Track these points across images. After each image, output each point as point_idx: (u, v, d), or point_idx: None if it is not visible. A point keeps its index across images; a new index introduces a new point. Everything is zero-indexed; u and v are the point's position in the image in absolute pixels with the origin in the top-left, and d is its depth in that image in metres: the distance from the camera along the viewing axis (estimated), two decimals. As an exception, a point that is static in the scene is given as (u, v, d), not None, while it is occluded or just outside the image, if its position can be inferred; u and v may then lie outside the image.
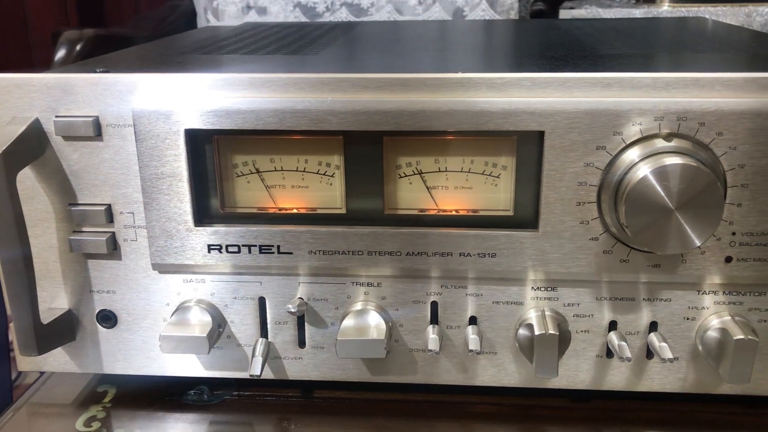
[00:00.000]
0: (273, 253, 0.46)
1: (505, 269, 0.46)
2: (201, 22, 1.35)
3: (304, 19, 1.28)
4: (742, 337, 0.43)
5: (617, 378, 0.48)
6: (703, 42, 0.61)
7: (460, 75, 0.43)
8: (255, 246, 0.46)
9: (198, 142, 0.45)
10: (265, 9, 1.30)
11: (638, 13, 1.20)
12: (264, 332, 0.49)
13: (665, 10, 1.21)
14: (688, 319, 0.46)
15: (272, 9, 1.29)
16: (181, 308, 0.48)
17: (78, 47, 1.27)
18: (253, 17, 1.31)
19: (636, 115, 0.42)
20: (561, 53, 0.54)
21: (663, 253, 0.42)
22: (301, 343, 0.49)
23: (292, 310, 0.46)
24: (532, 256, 0.45)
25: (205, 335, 0.46)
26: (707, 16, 1.16)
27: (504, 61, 0.56)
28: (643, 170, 0.41)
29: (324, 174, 0.46)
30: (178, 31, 0.88)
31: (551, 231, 0.44)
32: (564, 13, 1.22)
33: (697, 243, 0.41)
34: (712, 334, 0.45)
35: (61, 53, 1.25)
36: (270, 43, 0.63)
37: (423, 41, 0.66)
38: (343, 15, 1.26)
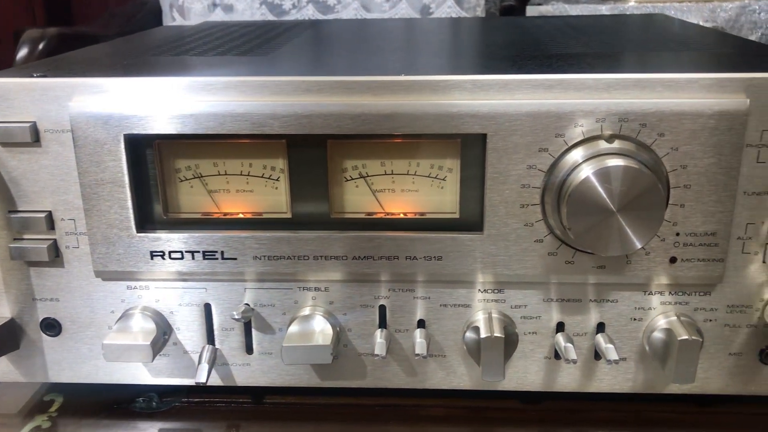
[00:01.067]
0: (217, 259, 0.46)
1: (452, 272, 0.45)
2: (167, 20, 1.34)
3: (270, 16, 1.27)
4: (686, 337, 0.43)
5: (567, 379, 0.48)
6: (657, 41, 0.61)
7: (401, 78, 0.42)
8: (198, 252, 0.46)
9: (138, 147, 0.44)
10: (231, 6, 1.28)
11: (604, 9, 1.20)
12: (210, 339, 0.48)
13: (631, 6, 1.21)
14: (635, 319, 0.46)
15: (238, 6, 1.28)
16: (125, 315, 0.47)
17: (40, 46, 1.25)
18: (219, 15, 1.29)
19: (578, 117, 0.41)
20: (512, 53, 0.54)
21: (604, 254, 0.42)
22: (249, 349, 0.48)
23: (237, 317, 0.45)
24: (478, 258, 0.45)
25: (148, 343, 0.45)
26: (672, 12, 1.17)
27: (455, 61, 0.55)
28: (585, 172, 0.40)
29: (269, 178, 0.46)
30: (145, 29, 0.87)
31: (496, 233, 0.44)
32: (531, 10, 1.22)
33: (638, 245, 0.41)
34: (658, 334, 0.45)
35: (22, 53, 1.23)
36: (223, 44, 0.62)
37: (380, 41, 0.66)
38: (309, 12, 1.25)
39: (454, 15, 1.19)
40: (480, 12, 1.21)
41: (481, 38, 0.69)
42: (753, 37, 1.20)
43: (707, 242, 0.43)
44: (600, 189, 0.40)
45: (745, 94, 0.41)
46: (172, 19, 1.32)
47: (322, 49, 0.61)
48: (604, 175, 0.40)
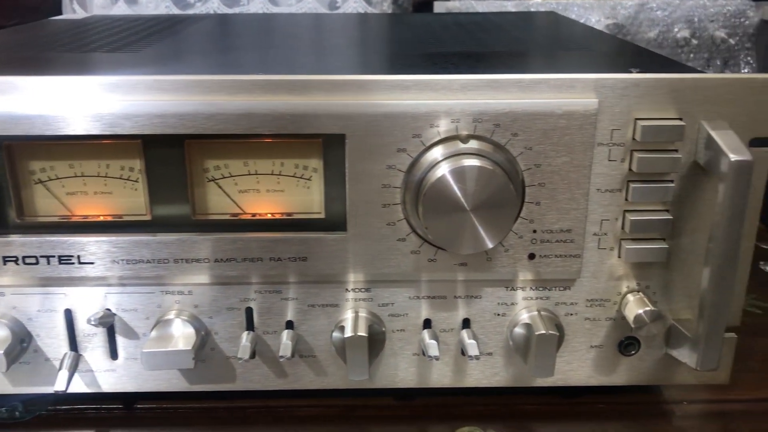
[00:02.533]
0: (73, 263, 0.44)
1: (318, 272, 0.45)
2: (66, 11, 1.29)
3: (175, 9, 1.24)
4: (543, 332, 0.44)
5: (439, 375, 0.49)
6: (534, 40, 0.62)
7: (256, 77, 0.41)
8: (54, 257, 0.44)
9: (-14, 148, 0.43)
10: (135, -2, 1.25)
11: (510, 5, 1.22)
12: (73, 345, 0.47)
13: (536, 2, 1.23)
14: (498, 315, 0.47)
15: (142, -2, 1.24)
16: (-21, 324, 0.45)
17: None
18: (122, 7, 1.25)
19: (434, 118, 0.42)
20: (390, 52, 0.54)
21: (458, 252, 0.42)
22: (114, 354, 0.47)
23: (93, 323, 0.44)
24: (344, 258, 0.45)
25: (1, 352, 0.44)
26: (576, 10, 1.20)
27: (328, 59, 0.55)
28: (440, 172, 0.41)
29: (127, 179, 0.44)
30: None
31: (360, 233, 0.44)
32: (438, 6, 1.23)
33: (490, 245, 0.42)
34: (519, 329, 0.46)
35: None
36: (96, 40, 0.60)
37: (261, 38, 0.65)
38: (215, 5, 1.23)
39: (360, 10, 1.19)
40: (387, 7, 1.21)
41: (368, 36, 0.69)
42: (651, 34, 1.25)
43: (563, 239, 0.44)
44: (454, 188, 0.41)
45: (595, 94, 0.42)
46: (72, 10, 1.28)
47: (196, 46, 0.60)
48: (457, 174, 0.41)
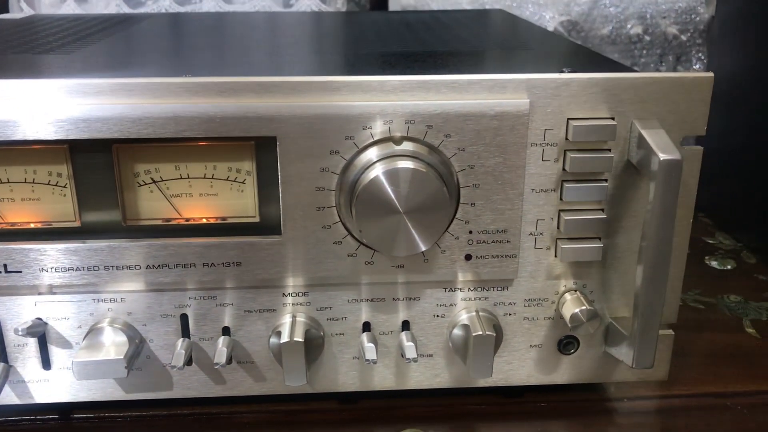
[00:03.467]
0: (0, 272, 0.43)
1: (253, 277, 0.44)
2: (14, 10, 1.26)
3: (126, 8, 1.22)
4: (480, 332, 0.44)
5: (379, 378, 0.48)
6: (477, 40, 0.62)
7: (182, 80, 0.41)
8: (-21, 266, 0.43)
9: None
10: (85, -4, 1.22)
11: (465, 3, 1.22)
12: (2, 356, 0.45)
13: None
14: (438, 316, 0.47)
15: (92, -3, 1.22)
16: None
17: None
18: (71, 6, 1.23)
19: (366, 119, 0.41)
20: (330, 53, 0.53)
21: (392, 254, 0.42)
22: (46, 364, 0.46)
23: (21, 333, 0.43)
24: (278, 262, 0.44)
25: (-76, 365, 0.42)
26: (530, 6, 1.20)
27: (270, 61, 0.54)
28: (373, 174, 0.40)
29: (56, 185, 0.43)
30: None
31: (295, 236, 0.44)
32: (393, 3, 1.22)
33: (423, 247, 0.41)
34: (457, 330, 0.46)
35: None
36: (32, 41, 0.58)
37: (206, 37, 0.64)
38: (166, 4, 1.21)
39: (314, 8, 1.18)
40: (341, 5, 1.20)
41: (314, 36, 0.68)
42: (605, 31, 1.26)
43: (499, 239, 0.44)
44: (387, 190, 0.40)
45: (527, 95, 0.42)
46: (19, 8, 1.25)
47: (133, 47, 0.59)
48: (391, 176, 0.40)
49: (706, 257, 0.74)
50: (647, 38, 1.26)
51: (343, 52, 0.53)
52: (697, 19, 1.26)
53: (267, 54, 0.55)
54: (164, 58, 0.54)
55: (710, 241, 0.78)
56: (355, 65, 0.47)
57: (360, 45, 0.56)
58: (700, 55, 1.27)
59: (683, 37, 1.27)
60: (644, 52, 1.26)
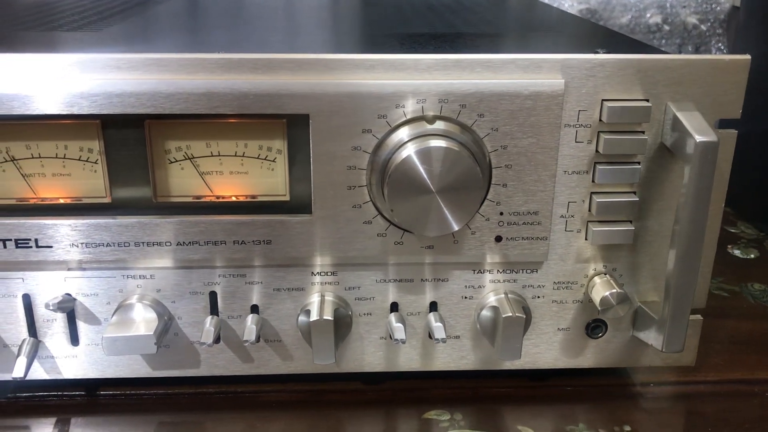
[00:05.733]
0: (31, 247, 0.43)
1: (283, 255, 0.44)
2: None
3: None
4: (510, 314, 0.44)
5: (405, 359, 0.48)
6: (503, 22, 0.62)
7: (217, 56, 0.41)
8: (10, 240, 0.43)
9: (-63, 128, 0.41)
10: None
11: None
12: (32, 331, 0.46)
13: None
14: (466, 297, 0.47)
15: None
16: (-67, 310, 0.44)
17: None
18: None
19: (399, 98, 0.41)
20: (356, 32, 0.53)
21: (423, 234, 0.42)
22: (75, 340, 0.46)
23: (51, 308, 0.43)
24: (308, 241, 0.44)
25: (-44, 338, 0.42)
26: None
27: (296, 39, 0.54)
28: (406, 153, 0.40)
29: (87, 161, 0.43)
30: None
31: (325, 215, 0.43)
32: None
33: (455, 227, 0.41)
34: (486, 312, 0.46)
35: None
36: (60, 18, 0.58)
37: (228, 16, 0.64)
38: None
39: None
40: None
41: (337, 16, 0.68)
42: (624, 20, 1.25)
43: (530, 221, 0.44)
44: (419, 169, 0.40)
45: (561, 75, 0.42)
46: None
47: (160, 25, 0.59)
48: (423, 155, 0.40)
49: (729, 246, 0.73)
50: (666, 28, 1.25)
51: (370, 33, 0.52)
52: (718, 8, 1.25)
53: (297, 32, 0.55)
54: (192, 36, 0.54)
55: (732, 230, 0.78)
56: (386, 45, 0.47)
57: (386, 26, 0.56)
58: (720, 45, 1.26)
59: (703, 27, 1.26)
60: (663, 41, 1.25)
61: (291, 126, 0.42)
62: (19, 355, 0.44)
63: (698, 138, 0.40)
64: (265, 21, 0.62)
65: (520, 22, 0.61)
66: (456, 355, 0.48)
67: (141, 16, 0.62)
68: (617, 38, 0.53)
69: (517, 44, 0.50)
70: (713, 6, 1.25)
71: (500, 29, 0.57)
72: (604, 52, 0.42)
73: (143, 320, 0.44)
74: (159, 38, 0.53)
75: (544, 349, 0.48)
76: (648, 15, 1.25)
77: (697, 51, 1.24)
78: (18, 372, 0.44)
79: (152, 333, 0.43)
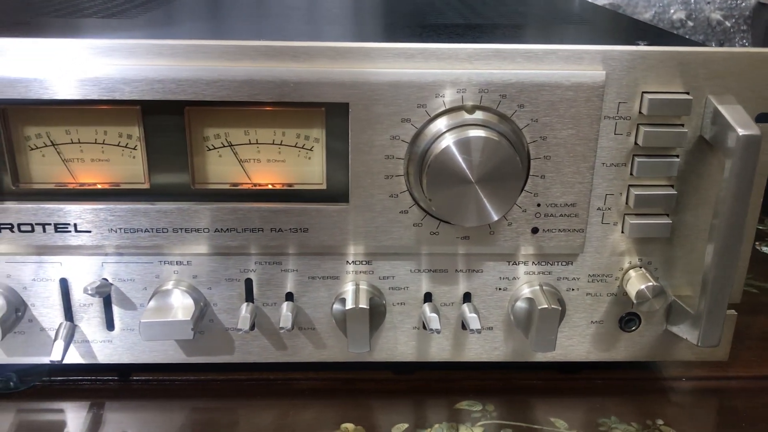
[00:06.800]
0: (70, 231, 0.43)
1: (319, 244, 0.45)
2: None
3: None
4: (545, 306, 0.44)
5: (437, 349, 0.48)
6: (536, 14, 0.61)
7: (258, 43, 0.41)
8: (50, 224, 0.43)
9: (-20, 112, 0.42)
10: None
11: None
12: (68, 315, 0.46)
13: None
14: (500, 289, 0.47)
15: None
16: (-28, 292, 0.44)
17: None
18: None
19: (439, 87, 0.41)
20: (389, 23, 0.53)
21: (462, 225, 0.42)
22: (110, 325, 0.46)
23: (90, 292, 0.43)
24: (345, 230, 0.44)
25: (-5, 321, 0.43)
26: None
27: (327, 28, 0.54)
28: (445, 143, 0.40)
29: (126, 146, 0.43)
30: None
31: (362, 204, 0.44)
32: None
33: (495, 217, 0.41)
34: (521, 303, 0.46)
35: None
36: (91, 6, 0.59)
37: (263, 5, 0.64)
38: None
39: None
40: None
41: (366, 7, 0.68)
42: (647, 15, 1.24)
43: (567, 213, 0.44)
44: (459, 159, 0.40)
45: (602, 66, 0.41)
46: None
47: (194, 13, 0.59)
48: (462, 145, 0.40)
49: (757, 242, 0.73)
50: (690, 24, 1.24)
51: (405, 24, 0.52)
52: (743, 4, 1.24)
53: (330, 22, 0.55)
54: (228, 23, 0.54)
55: (760, 227, 0.77)
56: (422, 35, 0.46)
57: (420, 16, 0.56)
58: (744, 41, 1.25)
59: (727, 23, 1.25)
60: (687, 38, 1.24)
61: (329, 115, 0.43)
62: (56, 339, 0.45)
63: (741, 131, 0.39)
64: (298, 11, 0.62)
65: (552, 13, 0.60)
66: (488, 347, 0.48)
67: (170, 4, 0.62)
68: (653, 30, 0.52)
69: (554, 35, 0.50)
70: (738, 2, 1.24)
71: (534, 20, 0.56)
72: (645, 44, 0.42)
73: (181, 306, 0.44)
74: (192, 25, 0.53)
75: (577, 341, 0.48)
76: (672, 11, 1.24)
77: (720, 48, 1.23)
78: (56, 355, 0.44)
79: (190, 319, 0.43)
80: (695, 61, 0.42)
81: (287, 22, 0.54)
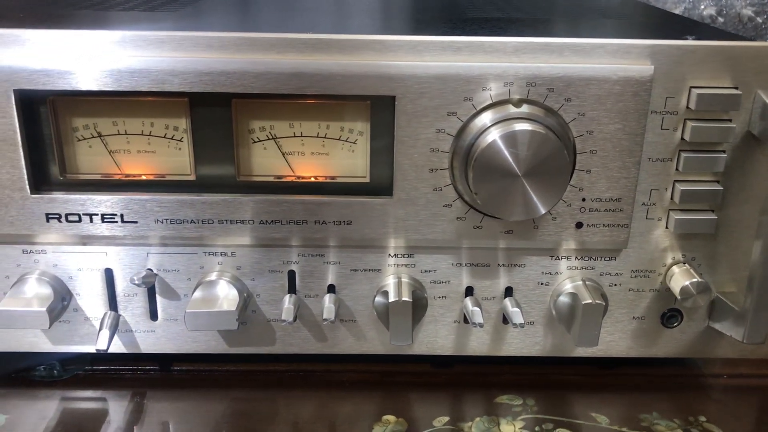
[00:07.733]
0: (116, 222, 0.44)
1: (362, 236, 0.45)
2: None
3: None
4: (590, 301, 0.44)
5: (477, 343, 0.48)
6: (576, 8, 0.61)
7: (307, 36, 0.41)
8: (97, 215, 0.44)
9: (31, 104, 0.42)
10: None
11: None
12: (113, 305, 0.47)
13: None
14: (542, 284, 0.47)
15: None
16: (20, 281, 0.45)
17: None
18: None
19: (486, 81, 0.41)
20: (429, 16, 0.53)
21: (509, 219, 0.42)
22: (154, 315, 0.47)
23: (136, 282, 0.44)
24: (388, 223, 0.44)
25: (44, 309, 0.43)
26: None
27: (370, 21, 0.54)
28: (492, 136, 0.40)
29: (172, 138, 0.44)
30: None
31: (405, 198, 0.44)
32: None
33: (542, 210, 0.41)
34: (564, 298, 0.46)
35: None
36: (128, 1, 0.59)
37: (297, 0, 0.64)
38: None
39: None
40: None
41: (404, 2, 0.68)
42: (677, 10, 1.23)
43: (612, 208, 0.44)
44: (506, 153, 0.40)
45: (650, 61, 0.41)
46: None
47: (235, 7, 0.59)
48: (510, 139, 0.40)
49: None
50: (720, 20, 1.23)
51: (446, 18, 0.52)
52: (775, 0, 1.23)
53: (369, 16, 0.55)
54: (273, 15, 0.54)
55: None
56: (465, 28, 0.46)
57: (459, 10, 0.56)
58: (776, 37, 1.23)
59: (759, 20, 1.24)
60: (734, 33, 1.23)
61: (375, 108, 0.43)
62: (101, 328, 0.45)
63: (792, 126, 0.39)
64: (334, 5, 0.62)
65: (594, 9, 0.60)
66: (529, 341, 0.48)
67: (202, 0, 0.62)
68: (699, 25, 0.52)
69: (599, 29, 0.50)
70: (770, -3, 1.22)
71: (575, 15, 0.56)
72: (693, 38, 0.42)
73: (225, 297, 0.44)
74: (229, 19, 0.53)
75: (618, 337, 0.48)
76: (702, 6, 1.23)
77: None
78: (101, 344, 0.45)
79: (235, 309, 0.43)
80: (745, 55, 0.41)
81: (324, 17, 0.54)
